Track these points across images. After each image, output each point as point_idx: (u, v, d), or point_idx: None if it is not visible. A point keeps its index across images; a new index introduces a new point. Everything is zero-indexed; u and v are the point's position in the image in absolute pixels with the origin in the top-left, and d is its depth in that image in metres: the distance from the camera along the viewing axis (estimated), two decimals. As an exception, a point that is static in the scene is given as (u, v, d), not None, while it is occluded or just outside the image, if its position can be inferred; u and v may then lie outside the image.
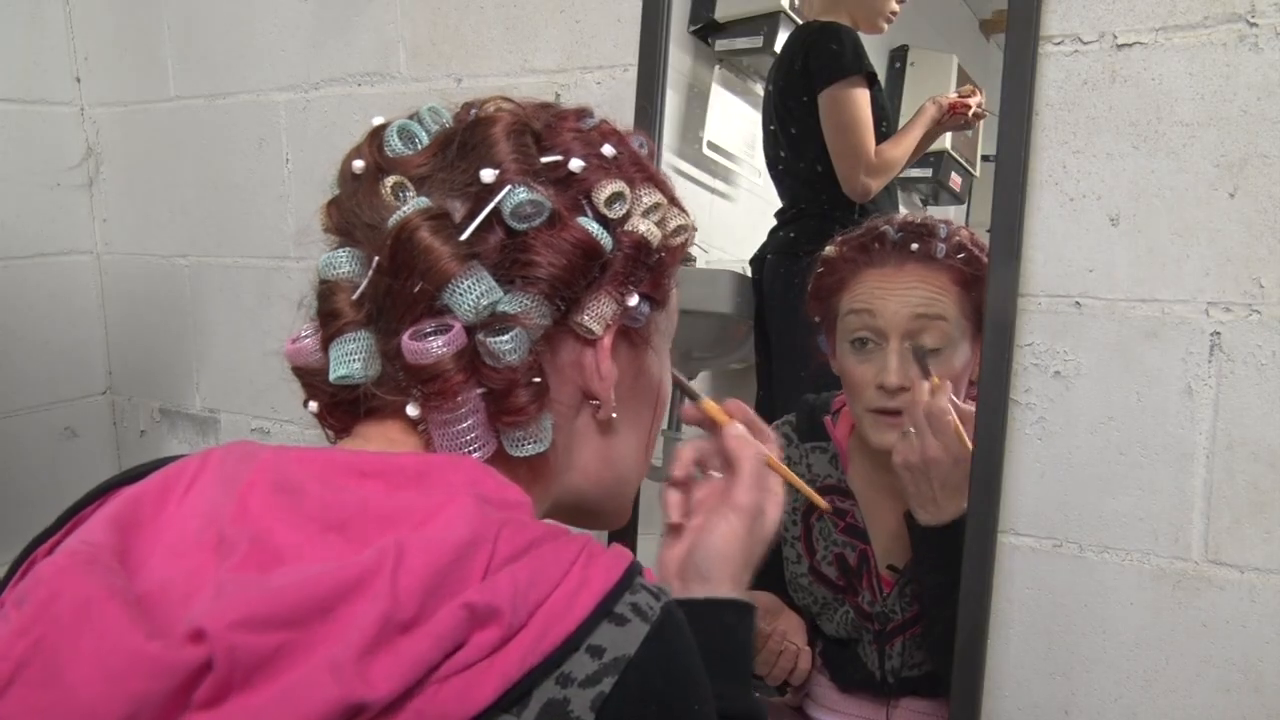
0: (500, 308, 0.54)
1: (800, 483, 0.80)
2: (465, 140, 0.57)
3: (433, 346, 0.53)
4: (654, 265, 0.61)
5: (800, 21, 1.27)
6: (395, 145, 0.58)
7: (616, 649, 0.47)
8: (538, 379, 0.55)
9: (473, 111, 0.60)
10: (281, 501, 0.51)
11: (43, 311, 1.63)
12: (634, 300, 0.59)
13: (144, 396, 1.69)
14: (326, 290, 0.58)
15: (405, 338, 0.53)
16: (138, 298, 1.67)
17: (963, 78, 1.22)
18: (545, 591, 0.48)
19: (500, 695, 0.44)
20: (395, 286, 0.54)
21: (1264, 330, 0.86)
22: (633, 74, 1.13)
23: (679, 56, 1.26)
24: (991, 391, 0.94)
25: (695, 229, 0.64)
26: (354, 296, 0.56)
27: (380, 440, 0.58)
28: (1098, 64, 0.90)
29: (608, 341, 0.59)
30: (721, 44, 1.33)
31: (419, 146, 0.58)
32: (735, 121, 1.37)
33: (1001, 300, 0.93)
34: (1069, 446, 0.94)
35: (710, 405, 0.76)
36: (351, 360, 0.56)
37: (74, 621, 0.46)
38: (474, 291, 0.53)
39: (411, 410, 0.55)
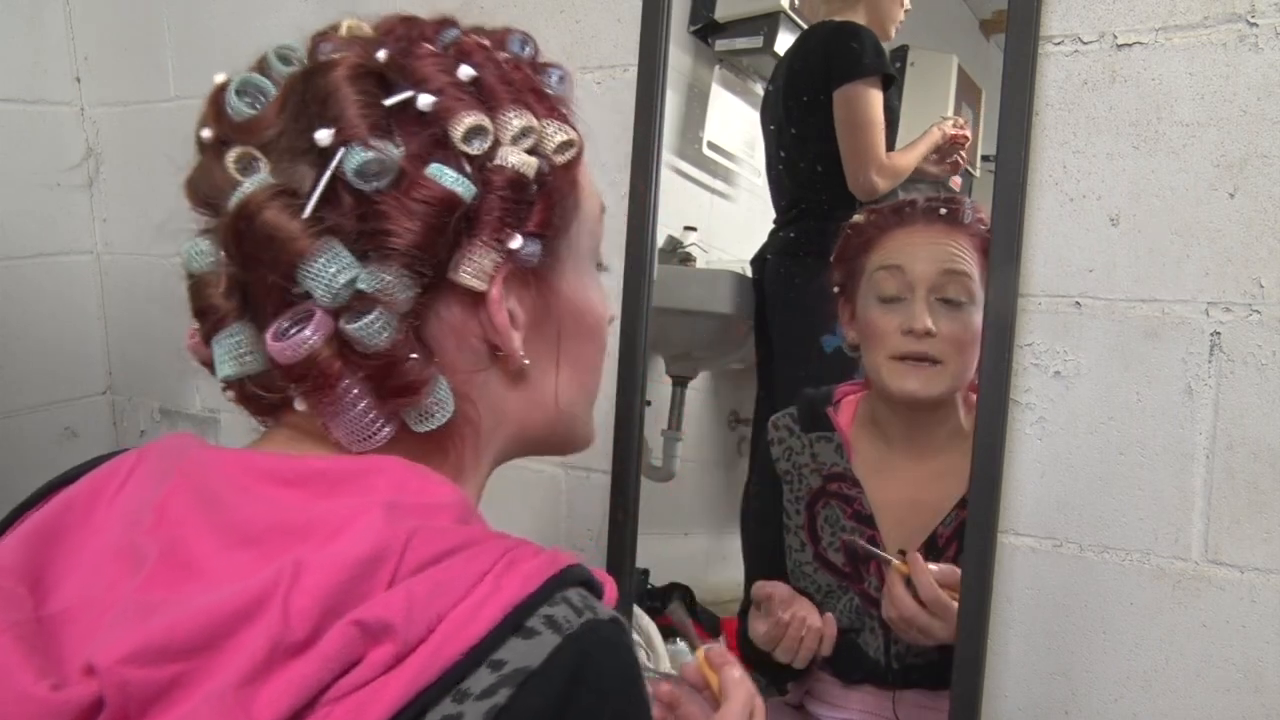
0: (358, 286, 0.48)
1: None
2: (304, 94, 0.50)
3: (293, 343, 0.48)
4: (537, 197, 0.53)
5: (800, 21, 1.27)
6: (237, 106, 0.51)
7: (519, 661, 0.43)
8: (414, 354, 0.50)
9: (320, 49, 0.53)
10: (200, 510, 0.48)
11: (43, 311, 1.63)
12: (517, 242, 0.52)
13: (144, 396, 1.69)
14: (195, 285, 0.53)
15: (268, 338, 0.49)
16: (138, 298, 1.67)
17: (963, 77, 1.22)
18: (449, 604, 0.44)
19: (393, 714, 0.42)
20: (249, 277, 0.50)
21: (1264, 330, 0.86)
22: (633, 74, 1.13)
23: (679, 56, 1.26)
24: (991, 391, 0.94)
25: (582, 142, 0.56)
26: (222, 289, 0.51)
27: (309, 427, 0.53)
28: (1098, 64, 0.90)
29: (496, 293, 0.52)
30: (721, 44, 1.33)
31: (264, 102, 0.52)
32: (735, 121, 1.37)
33: (1001, 300, 0.93)
34: (1069, 446, 0.94)
35: (702, 662, 0.72)
36: (230, 358, 0.51)
37: None
38: (326, 272, 0.47)
39: (299, 405, 0.51)
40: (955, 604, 0.98)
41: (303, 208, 0.48)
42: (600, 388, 0.65)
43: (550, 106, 0.55)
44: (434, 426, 0.52)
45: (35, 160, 1.61)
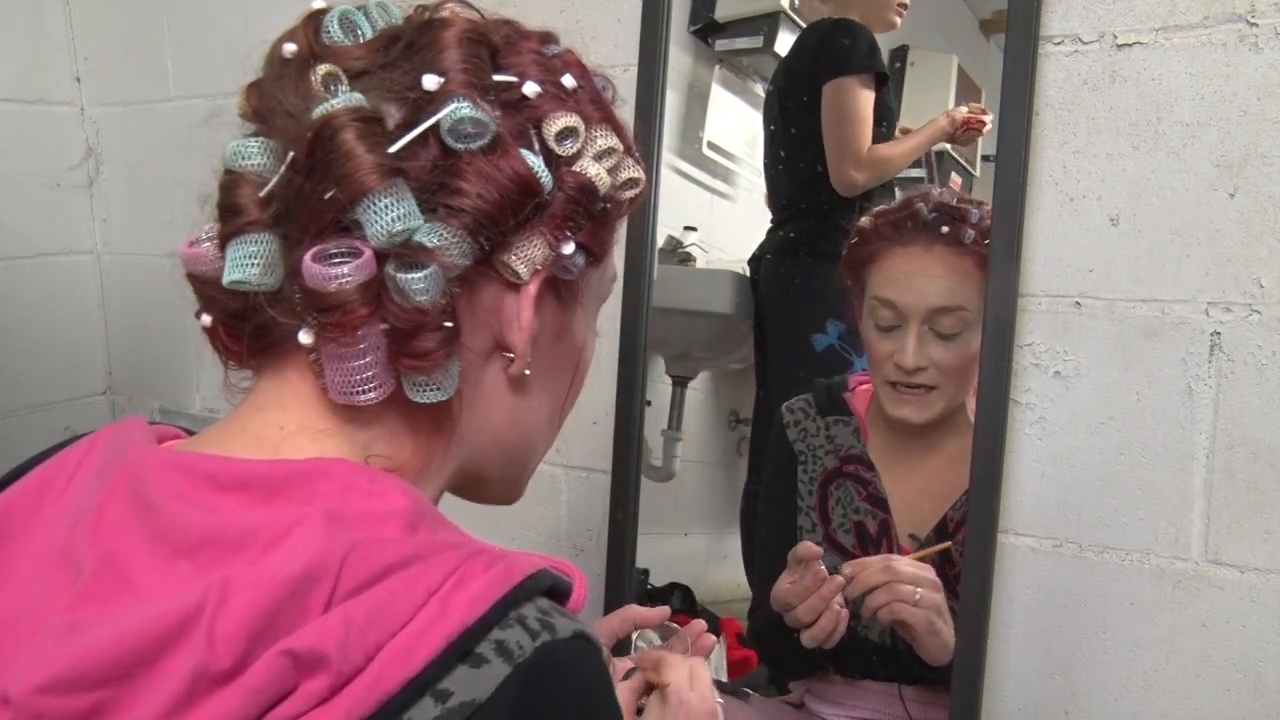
0: (417, 238, 0.47)
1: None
2: (413, 40, 0.51)
3: (336, 274, 0.46)
4: (597, 215, 0.54)
5: (800, 21, 1.28)
6: (334, 32, 0.52)
7: (466, 693, 0.41)
8: (449, 323, 0.49)
9: (427, 13, 0.54)
10: (136, 517, 0.46)
11: (43, 311, 1.63)
12: (569, 248, 0.53)
13: (144, 396, 1.69)
14: (230, 182, 0.51)
15: (307, 258, 0.47)
16: (138, 298, 1.67)
17: (963, 77, 1.22)
18: (390, 629, 0.42)
19: None
20: (306, 189, 0.48)
21: (1264, 330, 0.86)
22: (633, 74, 1.13)
23: (679, 56, 1.26)
24: (991, 391, 0.94)
25: (647, 186, 0.58)
26: (261, 194, 0.49)
27: (273, 399, 0.52)
28: (1098, 64, 0.90)
29: (533, 289, 0.52)
30: (721, 44, 1.33)
31: (360, 38, 0.52)
32: (735, 121, 1.37)
33: (1001, 300, 0.93)
34: (1069, 446, 0.94)
35: (653, 677, 0.75)
36: (249, 264, 0.49)
37: None
38: (391, 213, 0.47)
39: (304, 337, 0.49)
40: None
41: (387, 141, 0.48)
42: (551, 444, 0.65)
43: (628, 143, 0.56)
44: (428, 400, 0.50)
45: (35, 160, 1.61)
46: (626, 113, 1.14)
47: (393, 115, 0.49)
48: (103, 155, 1.67)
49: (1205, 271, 0.87)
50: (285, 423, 0.51)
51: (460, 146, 0.48)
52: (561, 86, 0.53)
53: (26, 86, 1.59)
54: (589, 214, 0.54)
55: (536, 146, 0.51)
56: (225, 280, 0.49)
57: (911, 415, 1.08)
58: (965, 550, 0.96)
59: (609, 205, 0.55)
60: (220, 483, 0.46)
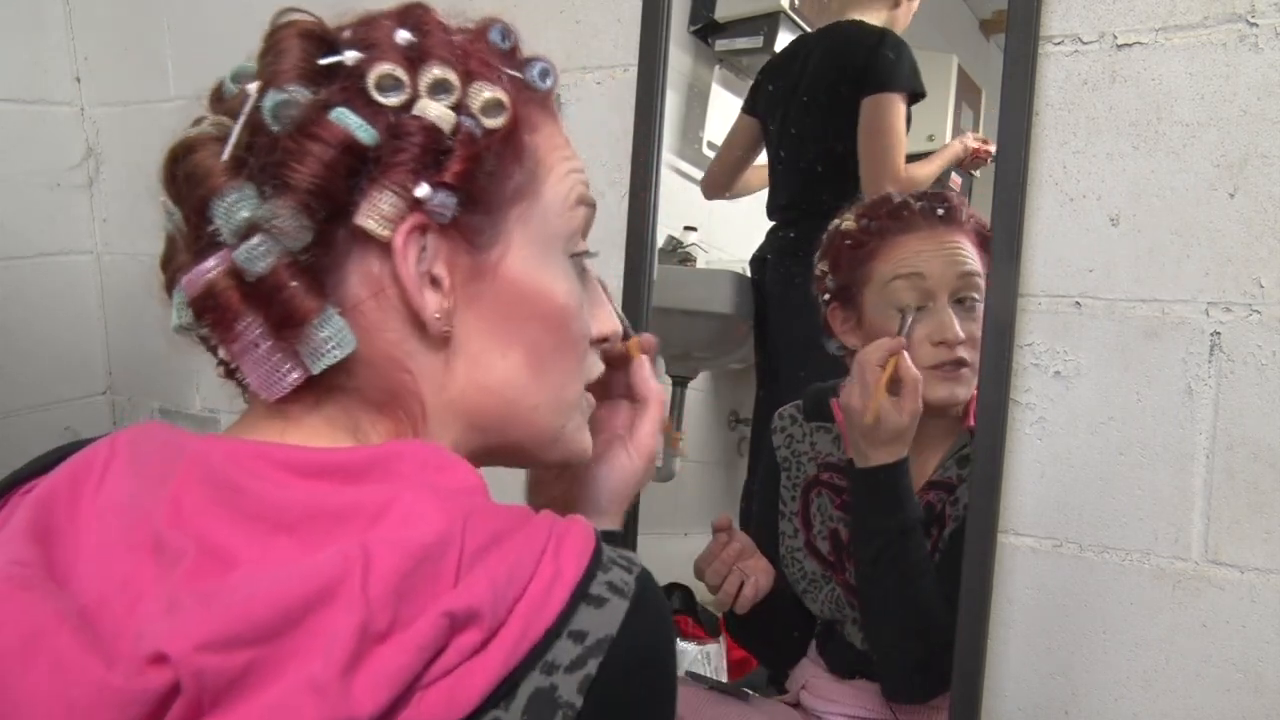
0: (251, 217, 0.50)
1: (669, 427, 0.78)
2: (260, 66, 0.54)
3: (195, 273, 0.52)
4: (456, 150, 0.53)
5: (800, 21, 1.28)
6: (227, 87, 0.56)
7: (599, 630, 0.47)
8: (295, 282, 0.51)
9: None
10: (220, 500, 0.48)
11: (43, 311, 1.63)
12: (424, 191, 0.52)
13: (144, 396, 1.69)
14: (167, 240, 0.57)
15: (185, 279, 0.52)
16: (138, 298, 1.67)
17: (963, 77, 1.22)
18: (522, 585, 0.47)
19: (488, 695, 0.44)
20: (185, 225, 0.54)
21: (1264, 330, 0.86)
22: (633, 74, 1.13)
23: (679, 56, 1.27)
24: (991, 391, 0.94)
25: (516, 110, 0.55)
26: (182, 245, 0.55)
27: (271, 405, 0.54)
28: (1098, 64, 0.90)
29: (400, 241, 0.52)
30: (721, 44, 1.33)
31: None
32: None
33: (1001, 300, 0.93)
34: (1069, 446, 0.94)
35: (632, 343, 0.72)
36: (178, 310, 0.55)
37: (24, 655, 0.43)
38: (229, 208, 0.50)
39: (222, 353, 0.53)
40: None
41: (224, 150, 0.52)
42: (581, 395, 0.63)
43: (477, 71, 0.54)
44: (328, 363, 0.52)
45: (35, 160, 1.61)
46: (626, 113, 1.15)
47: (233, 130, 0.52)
48: (103, 155, 1.67)
49: (1205, 271, 0.87)
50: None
51: (280, 129, 0.51)
52: (393, 44, 0.53)
53: (26, 86, 1.59)
54: (439, 152, 0.52)
55: (359, 105, 0.52)
56: (172, 326, 0.55)
57: (957, 392, 1.06)
58: (965, 550, 0.96)
59: (478, 140, 0.53)
60: (301, 469, 0.49)
